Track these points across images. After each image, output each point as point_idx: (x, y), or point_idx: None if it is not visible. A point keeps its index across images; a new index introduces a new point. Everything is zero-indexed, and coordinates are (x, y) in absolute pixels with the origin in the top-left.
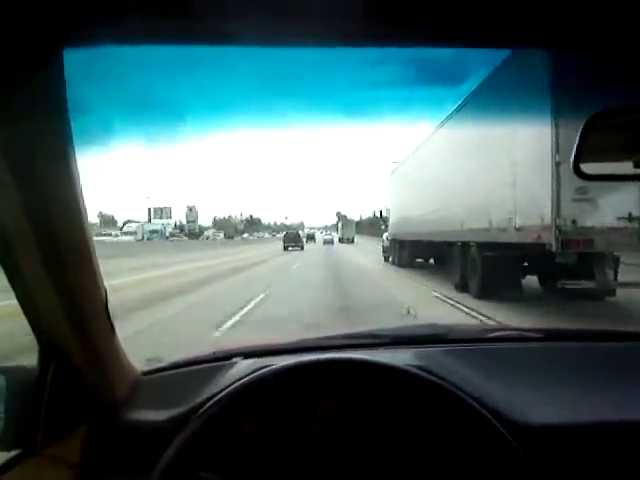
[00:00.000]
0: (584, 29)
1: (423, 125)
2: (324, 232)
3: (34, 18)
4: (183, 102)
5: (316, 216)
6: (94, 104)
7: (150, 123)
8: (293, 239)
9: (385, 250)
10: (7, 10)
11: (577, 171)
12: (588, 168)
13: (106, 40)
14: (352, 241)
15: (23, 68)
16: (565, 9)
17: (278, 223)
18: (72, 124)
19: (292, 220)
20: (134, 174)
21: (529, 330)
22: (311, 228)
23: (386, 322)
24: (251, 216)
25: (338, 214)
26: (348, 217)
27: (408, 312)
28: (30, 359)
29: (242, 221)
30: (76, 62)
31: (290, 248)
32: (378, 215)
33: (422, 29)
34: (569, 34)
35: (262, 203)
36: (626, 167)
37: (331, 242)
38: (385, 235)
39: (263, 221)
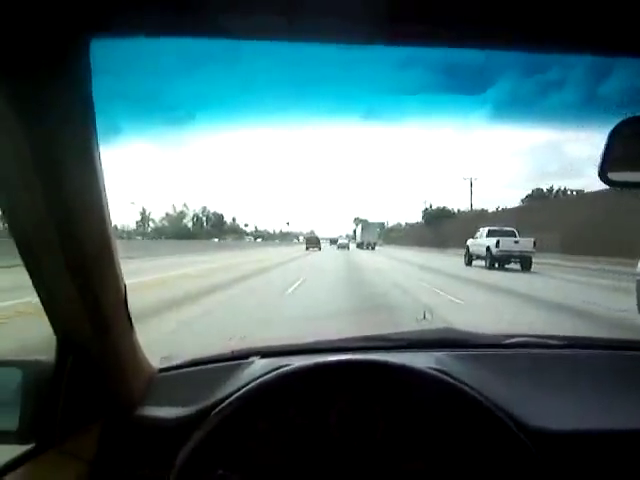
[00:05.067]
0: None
1: (446, 130)
2: (338, 240)
3: (62, 6)
4: (192, 100)
5: (328, 225)
6: (107, 99)
7: (156, 121)
8: (313, 242)
9: None
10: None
11: (604, 178)
12: (616, 176)
13: (129, 31)
14: (374, 247)
15: (49, 57)
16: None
17: (279, 231)
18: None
19: (300, 228)
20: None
21: (546, 337)
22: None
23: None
24: (208, 212)
25: (356, 219)
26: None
27: (424, 317)
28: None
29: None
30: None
31: (310, 249)
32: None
33: (448, 28)
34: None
35: (264, 208)
36: None
37: (346, 247)
38: None
39: (261, 227)
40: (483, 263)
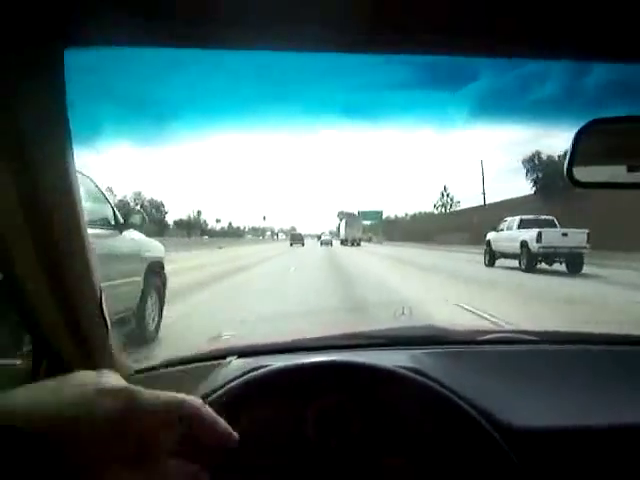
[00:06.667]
0: (587, 39)
1: (424, 129)
2: (321, 236)
3: (36, 16)
4: (175, 105)
5: (312, 221)
6: (89, 107)
7: (140, 126)
8: (297, 238)
9: None
10: (9, 7)
11: (571, 179)
12: (581, 176)
13: (107, 41)
14: (359, 244)
15: (23, 66)
16: (571, 18)
17: (258, 226)
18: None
19: (280, 224)
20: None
21: (524, 332)
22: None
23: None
24: (143, 200)
25: (341, 212)
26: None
27: (403, 312)
28: None
29: None
30: (73, 64)
31: (294, 245)
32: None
33: (424, 36)
34: (575, 44)
35: (240, 203)
36: (618, 175)
37: (329, 243)
38: None
39: (238, 223)
40: (509, 263)
